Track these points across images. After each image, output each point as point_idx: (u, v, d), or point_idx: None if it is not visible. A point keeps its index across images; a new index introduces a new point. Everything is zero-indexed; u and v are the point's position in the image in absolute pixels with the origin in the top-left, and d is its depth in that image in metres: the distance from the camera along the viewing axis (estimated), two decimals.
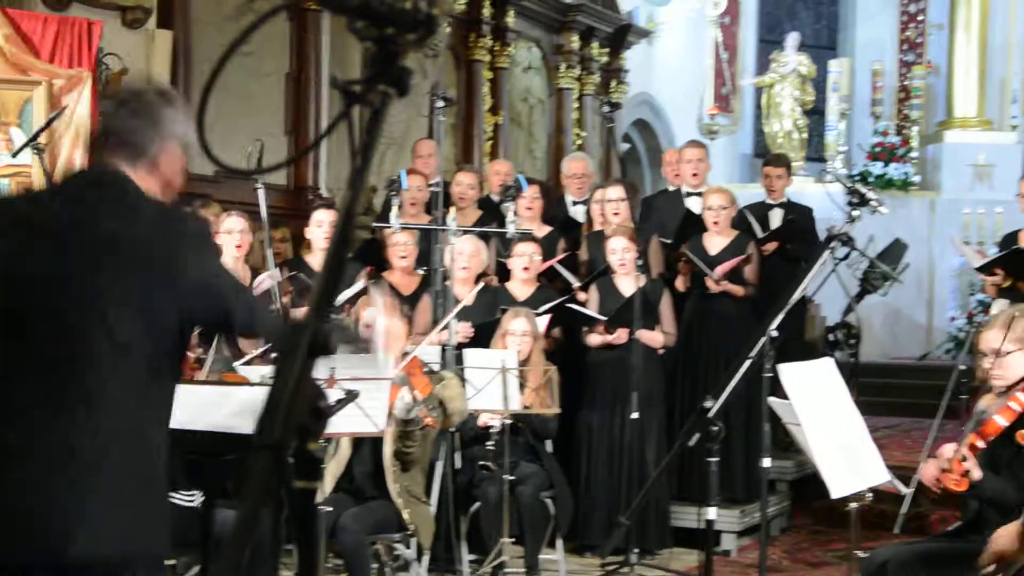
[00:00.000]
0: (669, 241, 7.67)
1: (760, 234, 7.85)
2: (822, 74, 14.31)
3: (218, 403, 3.68)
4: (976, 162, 13.84)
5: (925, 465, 4.33)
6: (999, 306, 6.66)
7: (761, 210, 8.26)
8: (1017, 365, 4.15)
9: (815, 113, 14.50)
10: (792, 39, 14.15)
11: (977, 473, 4.00)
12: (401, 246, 7.06)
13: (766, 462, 5.21)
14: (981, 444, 4.02)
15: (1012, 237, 7.36)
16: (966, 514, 4.52)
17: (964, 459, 3.97)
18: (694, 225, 7.56)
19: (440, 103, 6.66)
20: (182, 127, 2.79)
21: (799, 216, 8.12)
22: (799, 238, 7.83)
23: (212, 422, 3.62)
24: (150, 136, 2.75)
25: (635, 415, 6.62)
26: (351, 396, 4.48)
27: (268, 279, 6.33)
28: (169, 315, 2.65)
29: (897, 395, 11.10)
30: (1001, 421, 4.00)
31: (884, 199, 4.65)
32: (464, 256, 6.71)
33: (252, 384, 4.59)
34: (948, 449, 4.11)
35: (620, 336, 6.85)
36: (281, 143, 8.56)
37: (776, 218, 8.19)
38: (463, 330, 6.53)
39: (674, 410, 7.33)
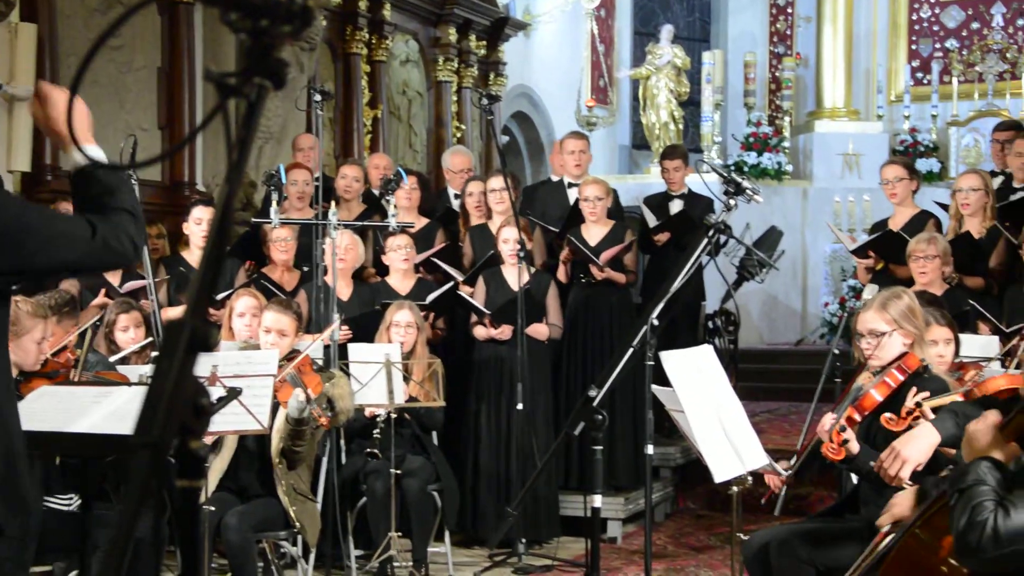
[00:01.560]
0: (555, 230, 7.71)
1: (652, 224, 7.95)
2: (696, 66, 14.53)
3: (95, 404, 3.59)
4: (845, 151, 14.20)
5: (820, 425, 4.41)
6: (870, 291, 6.85)
7: (662, 201, 8.36)
8: (892, 345, 4.28)
9: (690, 104, 14.72)
10: (666, 31, 14.35)
11: (855, 445, 4.12)
12: (281, 242, 7.00)
13: (650, 449, 5.28)
14: (858, 417, 4.15)
15: (882, 224, 7.56)
16: (842, 494, 4.64)
17: (843, 430, 4.08)
18: (582, 216, 7.61)
19: (318, 97, 6.60)
20: None
21: (699, 207, 8.22)
22: (692, 229, 7.91)
23: (90, 423, 3.53)
24: None
25: (520, 406, 6.66)
26: (234, 393, 4.42)
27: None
28: None
29: (775, 380, 11.34)
30: (877, 396, 4.12)
31: (759, 188, 4.74)
32: (340, 250, 6.67)
33: (131, 383, 4.50)
34: (827, 421, 4.22)
35: (504, 332, 6.89)
36: (155, 138, 8.39)
37: (676, 208, 8.32)
38: (342, 332, 6.49)
39: (559, 399, 7.39)
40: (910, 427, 3.91)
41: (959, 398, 3.57)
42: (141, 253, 2.75)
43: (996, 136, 8.64)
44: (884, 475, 3.72)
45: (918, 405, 3.85)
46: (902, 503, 3.35)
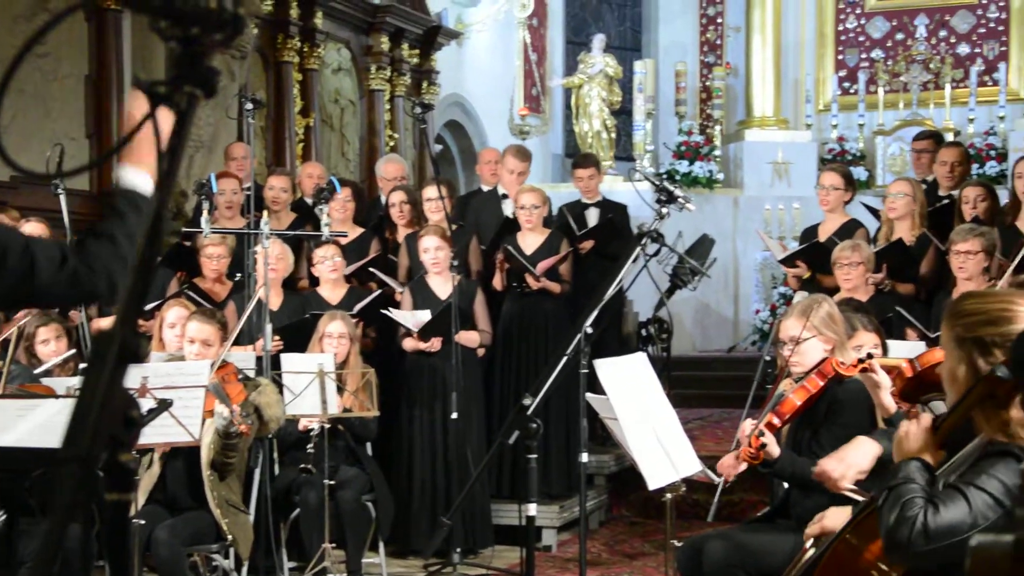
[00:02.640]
0: (483, 247, 7.73)
1: (577, 233, 7.98)
2: (628, 75, 14.61)
3: (20, 417, 3.53)
4: (775, 159, 14.35)
5: (725, 457, 4.50)
6: (800, 297, 6.93)
7: (578, 209, 8.39)
8: (813, 351, 4.34)
9: (623, 113, 14.80)
10: (598, 40, 14.41)
11: (774, 449, 4.17)
12: (215, 259, 6.95)
13: (584, 457, 5.29)
14: (778, 422, 4.20)
15: (812, 231, 7.66)
16: (774, 500, 4.69)
17: (761, 434, 4.13)
18: (513, 231, 7.64)
19: (249, 105, 6.55)
20: None
21: (615, 214, 8.27)
22: (615, 236, 7.98)
23: (15, 437, 3.47)
24: None
25: (455, 415, 6.64)
26: (164, 405, 4.37)
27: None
28: None
29: (707, 387, 11.40)
30: (796, 401, 4.17)
31: (690, 196, 4.78)
32: (271, 259, 6.63)
33: (57, 396, 4.43)
34: (747, 426, 4.27)
35: (434, 344, 6.88)
36: (83, 147, 8.27)
37: (593, 216, 8.32)
38: (273, 343, 6.43)
39: (493, 408, 7.39)
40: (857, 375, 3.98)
41: (904, 364, 3.64)
42: (118, 291, 2.51)
43: (914, 146, 8.82)
44: (827, 479, 3.80)
45: (869, 356, 3.92)
46: (833, 517, 3.39)
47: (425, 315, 6.82)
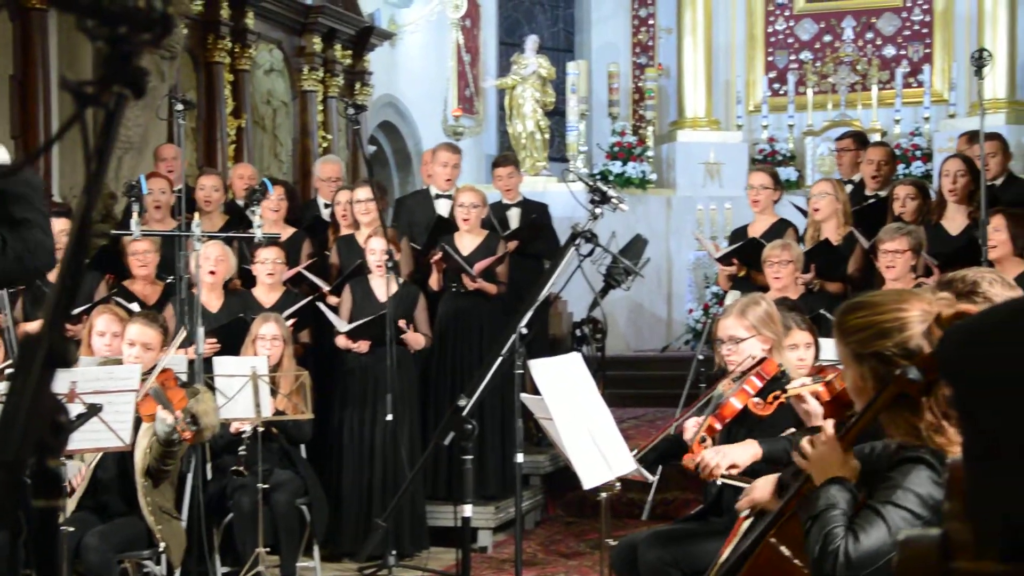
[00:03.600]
0: (418, 247, 7.71)
1: (502, 234, 8.00)
2: (561, 76, 14.66)
3: None
4: (707, 160, 14.47)
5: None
6: (732, 296, 7.00)
7: (499, 211, 8.41)
8: (751, 351, 4.37)
9: (556, 114, 14.84)
10: (531, 42, 14.44)
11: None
12: (141, 255, 6.86)
13: (519, 457, 5.30)
14: (718, 426, 4.23)
15: (742, 231, 7.74)
16: (707, 498, 4.73)
17: (704, 440, 4.17)
18: (446, 230, 7.63)
19: (179, 106, 6.48)
20: None
21: (536, 213, 8.30)
22: (537, 236, 8.02)
23: None
24: None
25: (390, 417, 6.62)
26: (94, 410, 4.31)
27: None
28: None
29: (642, 386, 11.46)
30: (736, 404, 4.21)
31: (624, 197, 4.80)
32: (210, 261, 6.56)
33: None
34: (690, 428, 4.30)
35: (361, 347, 6.88)
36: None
37: (515, 217, 8.34)
38: (208, 346, 6.37)
39: (428, 410, 7.38)
40: (775, 413, 4.04)
41: (821, 388, 3.69)
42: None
43: (836, 146, 8.96)
44: (703, 466, 4.08)
45: (783, 391, 3.97)
46: (762, 488, 3.38)
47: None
